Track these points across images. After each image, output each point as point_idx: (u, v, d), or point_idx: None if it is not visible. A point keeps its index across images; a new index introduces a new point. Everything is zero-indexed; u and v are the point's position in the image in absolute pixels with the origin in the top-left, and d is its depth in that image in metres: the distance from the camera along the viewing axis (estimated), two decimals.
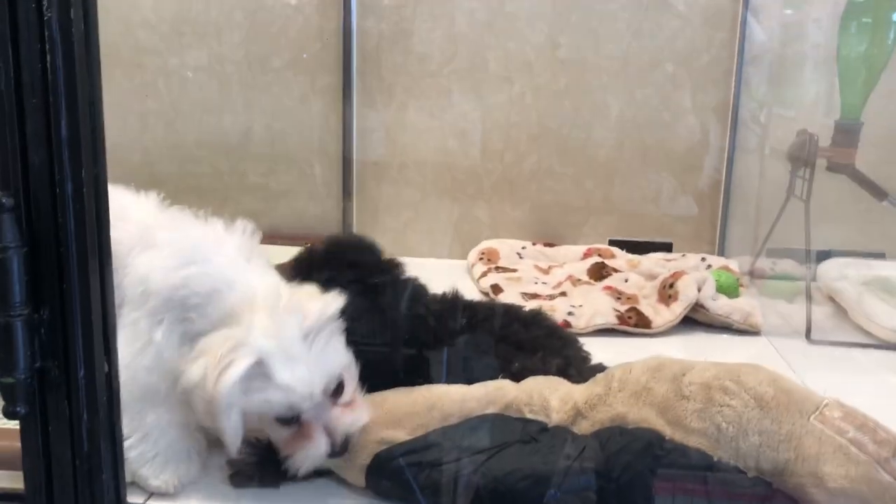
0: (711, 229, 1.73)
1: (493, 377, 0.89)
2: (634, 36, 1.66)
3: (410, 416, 0.84)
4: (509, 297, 1.42)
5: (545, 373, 0.91)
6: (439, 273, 1.71)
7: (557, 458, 0.77)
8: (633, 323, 1.32)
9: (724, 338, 1.33)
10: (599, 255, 1.64)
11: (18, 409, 0.68)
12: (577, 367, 0.94)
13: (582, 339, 1.31)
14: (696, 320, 1.35)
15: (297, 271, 0.95)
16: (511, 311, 1.02)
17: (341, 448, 0.79)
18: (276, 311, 0.75)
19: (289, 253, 1.63)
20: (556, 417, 0.84)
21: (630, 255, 1.63)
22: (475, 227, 1.76)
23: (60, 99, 0.64)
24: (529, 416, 0.84)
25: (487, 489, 0.78)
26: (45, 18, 0.63)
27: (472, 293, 1.51)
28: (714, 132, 1.70)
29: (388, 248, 1.06)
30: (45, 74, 0.64)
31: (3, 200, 0.64)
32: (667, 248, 1.70)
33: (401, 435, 0.84)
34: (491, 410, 0.83)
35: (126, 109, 1.76)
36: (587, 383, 0.86)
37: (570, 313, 1.33)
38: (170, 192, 1.75)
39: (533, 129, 1.72)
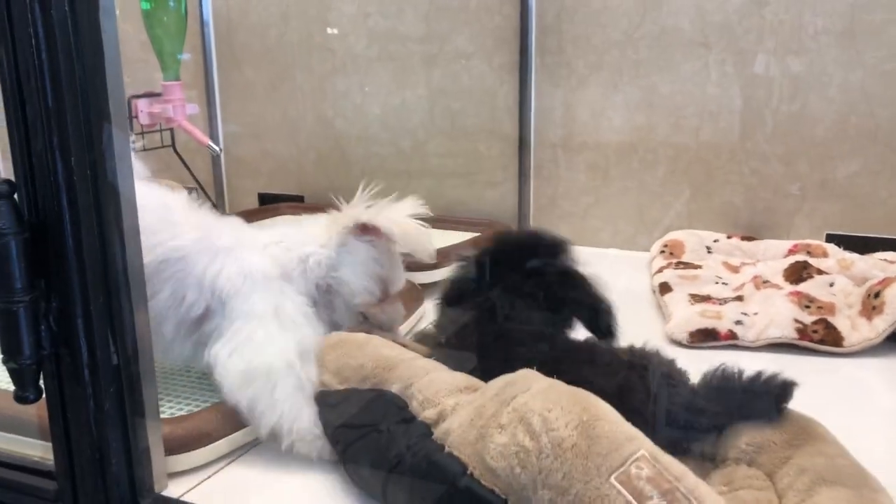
0: None
1: None
2: None
3: (357, 369, 0.81)
4: (676, 298, 1.23)
5: None
6: (619, 266, 1.56)
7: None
8: (817, 338, 1.08)
9: None
10: (809, 253, 1.36)
11: (28, 394, 0.69)
12: None
13: (751, 355, 1.11)
14: None
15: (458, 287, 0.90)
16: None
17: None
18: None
19: (461, 238, 1.58)
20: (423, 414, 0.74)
21: (845, 254, 1.34)
22: (664, 214, 1.56)
23: (46, 83, 0.63)
24: (415, 404, 0.75)
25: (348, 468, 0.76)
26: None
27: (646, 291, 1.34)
28: None
29: (567, 235, 0.95)
30: (34, 59, 0.63)
31: (0, 186, 0.64)
32: None
33: (335, 384, 0.83)
34: (397, 387, 0.77)
35: (320, 94, 1.81)
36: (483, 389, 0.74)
37: (738, 322, 1.12)
38: (355, 175, 1.81)
39: (734, 101, 1.47)
